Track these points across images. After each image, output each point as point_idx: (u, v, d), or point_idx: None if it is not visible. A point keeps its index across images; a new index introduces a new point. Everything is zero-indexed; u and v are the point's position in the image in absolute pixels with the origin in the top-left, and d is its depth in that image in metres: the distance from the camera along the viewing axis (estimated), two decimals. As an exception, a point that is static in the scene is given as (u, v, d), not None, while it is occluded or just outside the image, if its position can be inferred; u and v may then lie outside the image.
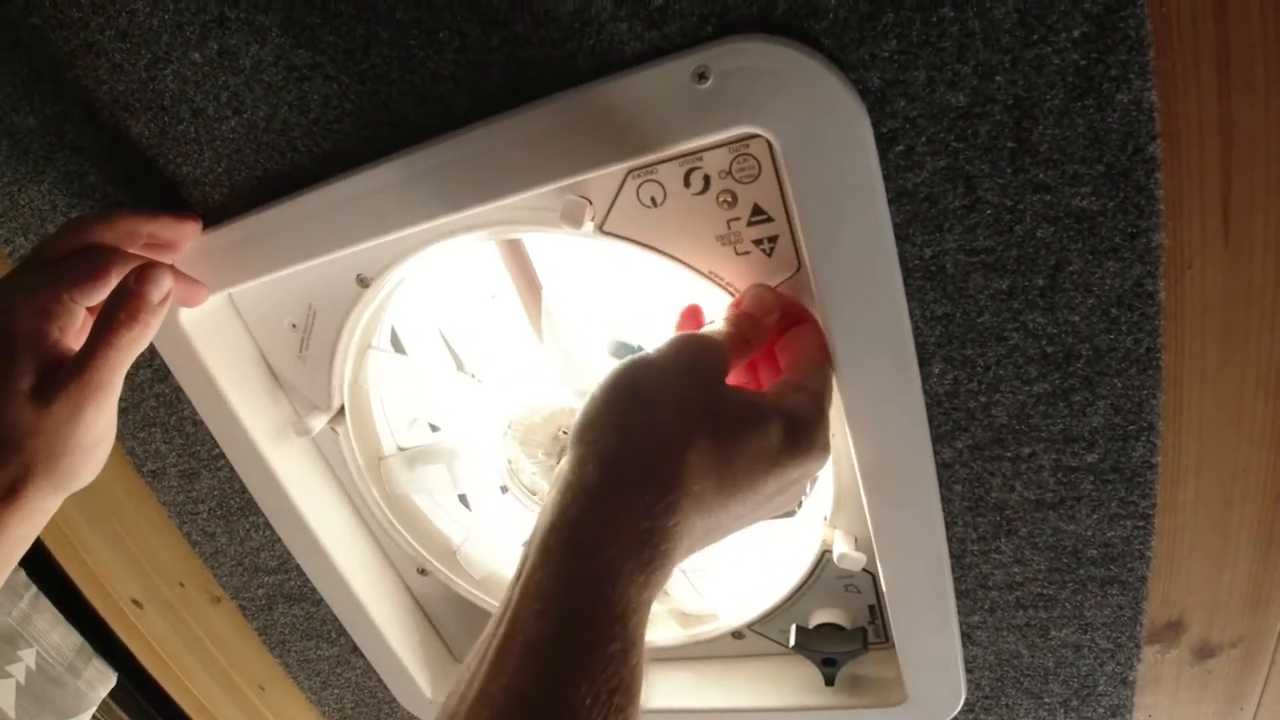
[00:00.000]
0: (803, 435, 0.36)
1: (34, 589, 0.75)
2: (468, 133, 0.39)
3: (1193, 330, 0.38)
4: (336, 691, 0.74)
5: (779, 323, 0.40)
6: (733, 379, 0.38)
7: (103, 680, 0.80)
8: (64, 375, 0.40)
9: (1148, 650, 0.49)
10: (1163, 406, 0.39)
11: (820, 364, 0.40)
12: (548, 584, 0.30)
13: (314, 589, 0.62)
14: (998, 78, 0.33)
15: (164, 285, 0.42)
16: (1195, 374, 0.39)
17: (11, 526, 0.40)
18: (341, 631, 0.66)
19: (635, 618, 0.30)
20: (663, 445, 0.33)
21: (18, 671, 0.72)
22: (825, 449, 0.37)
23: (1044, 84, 0.33)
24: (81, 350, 0.41)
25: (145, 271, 0.42)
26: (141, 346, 0.42)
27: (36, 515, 0.41)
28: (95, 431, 0.41)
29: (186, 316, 0.50)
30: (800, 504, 0.53)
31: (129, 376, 0.56)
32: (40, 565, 0.75)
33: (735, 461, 0.34)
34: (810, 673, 0.54)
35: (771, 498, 0.36)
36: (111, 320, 0.41)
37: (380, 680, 0.66)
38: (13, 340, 0.40)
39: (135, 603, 0.77)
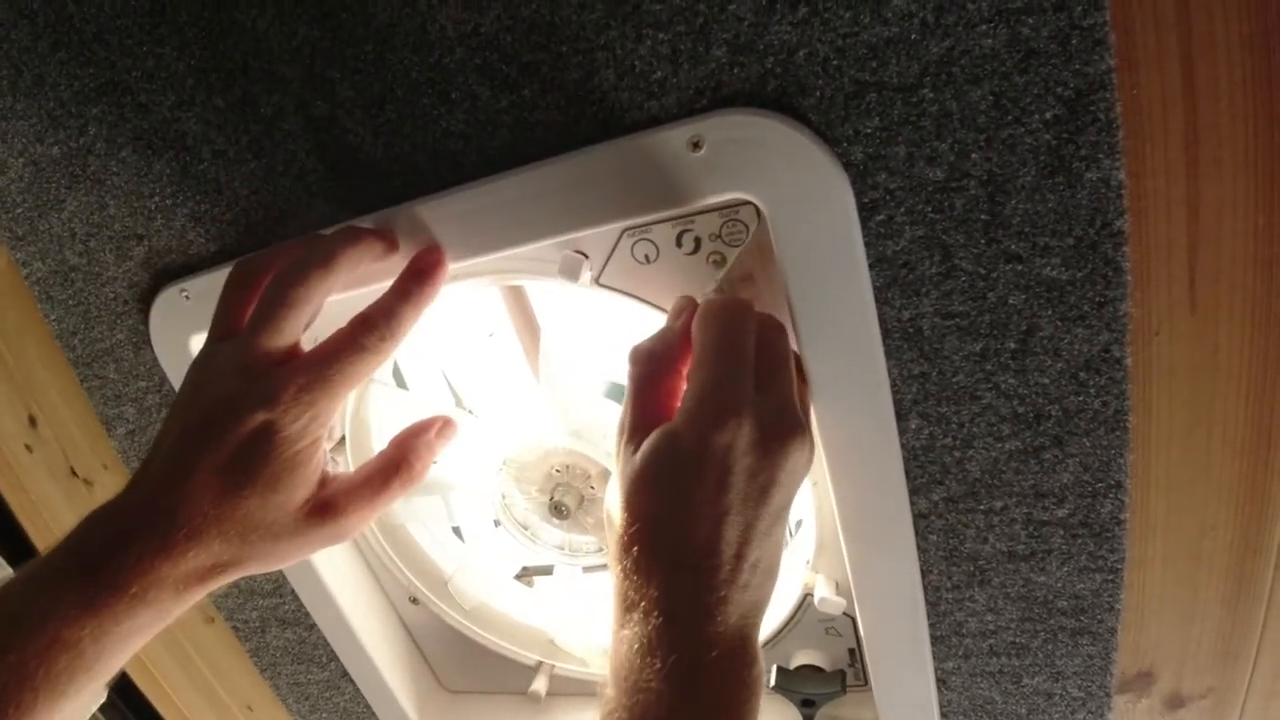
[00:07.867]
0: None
1: (30, 604, 0.75)
2: (475, 187, 0.41)
3: (1160, 393, 0.39)
4: (325, 716, 0.74)
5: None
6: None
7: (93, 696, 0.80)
8: (341, 508, 0.38)
9: (1119, 699, 0.49)
10: (1130, 465, 0.40)
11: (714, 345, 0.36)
12: None
13: (307, 614, 0.62)
14: (973, 155, 0.35)
15: (450, 435, 0.43)
16: (1163, 434, 0.40)
17: (189, 600, 0.38)
18: (332, 656, 0.66)
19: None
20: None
21: (10, 685, 0.73)
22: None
23: (1017, 162, 0.34)
24: (366, 486, 0.40)
25: (447, 427, 0.43)
26: None
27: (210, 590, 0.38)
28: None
29: (196, 348, 0.51)
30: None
31: (138, 399, 0.58)
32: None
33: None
34: (790, 713, 0.54)
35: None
36: (408, 469, 0.41)
37: (368, 706, 0.67)
38: (294, 451, 0.36)
39: (129, 620, 0.77)
